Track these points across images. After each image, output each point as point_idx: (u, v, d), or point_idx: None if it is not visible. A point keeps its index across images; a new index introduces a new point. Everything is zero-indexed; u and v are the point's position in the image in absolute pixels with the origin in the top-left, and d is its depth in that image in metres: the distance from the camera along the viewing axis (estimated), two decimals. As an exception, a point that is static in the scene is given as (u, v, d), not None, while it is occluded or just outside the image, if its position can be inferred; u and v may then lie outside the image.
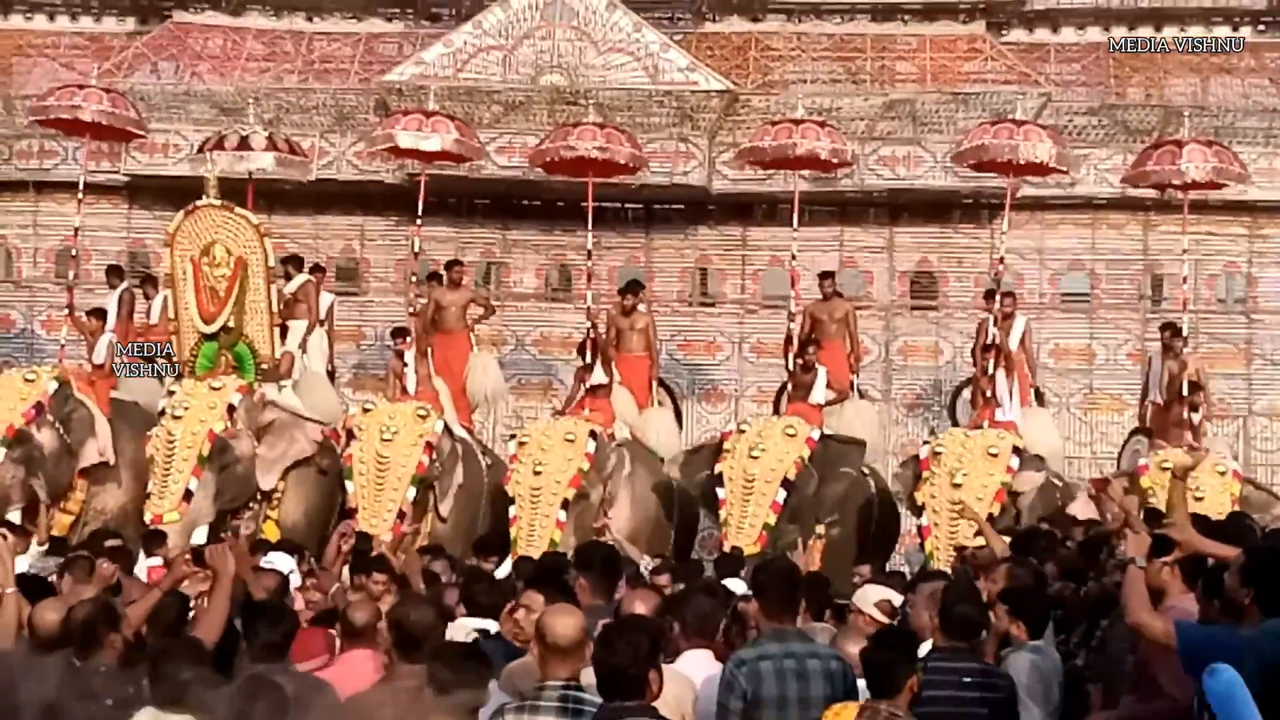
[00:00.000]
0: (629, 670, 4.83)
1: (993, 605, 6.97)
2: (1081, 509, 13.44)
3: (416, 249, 17.47)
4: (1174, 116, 20.23)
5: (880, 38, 22.26)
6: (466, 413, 16.83)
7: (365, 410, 15.32)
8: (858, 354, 17.45)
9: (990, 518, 13.76)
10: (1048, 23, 22.72)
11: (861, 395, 17.59)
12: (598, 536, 13.91)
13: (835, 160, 17.26)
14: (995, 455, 14.53)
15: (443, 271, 17.40)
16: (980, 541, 11.22)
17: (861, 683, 5.71)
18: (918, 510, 14.71)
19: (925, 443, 15.63)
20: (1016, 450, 14.66)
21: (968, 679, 6.13)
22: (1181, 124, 17.48)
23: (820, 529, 14.19)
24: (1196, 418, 15.74)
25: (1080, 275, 21.44)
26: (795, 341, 16.42)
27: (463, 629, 6.95)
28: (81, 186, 17.63)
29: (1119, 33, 22.52)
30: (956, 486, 14.33)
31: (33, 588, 6.97)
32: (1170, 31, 22.41)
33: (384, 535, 13.73)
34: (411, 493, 14.70)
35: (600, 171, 17.12)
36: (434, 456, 14.95)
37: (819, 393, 15.91)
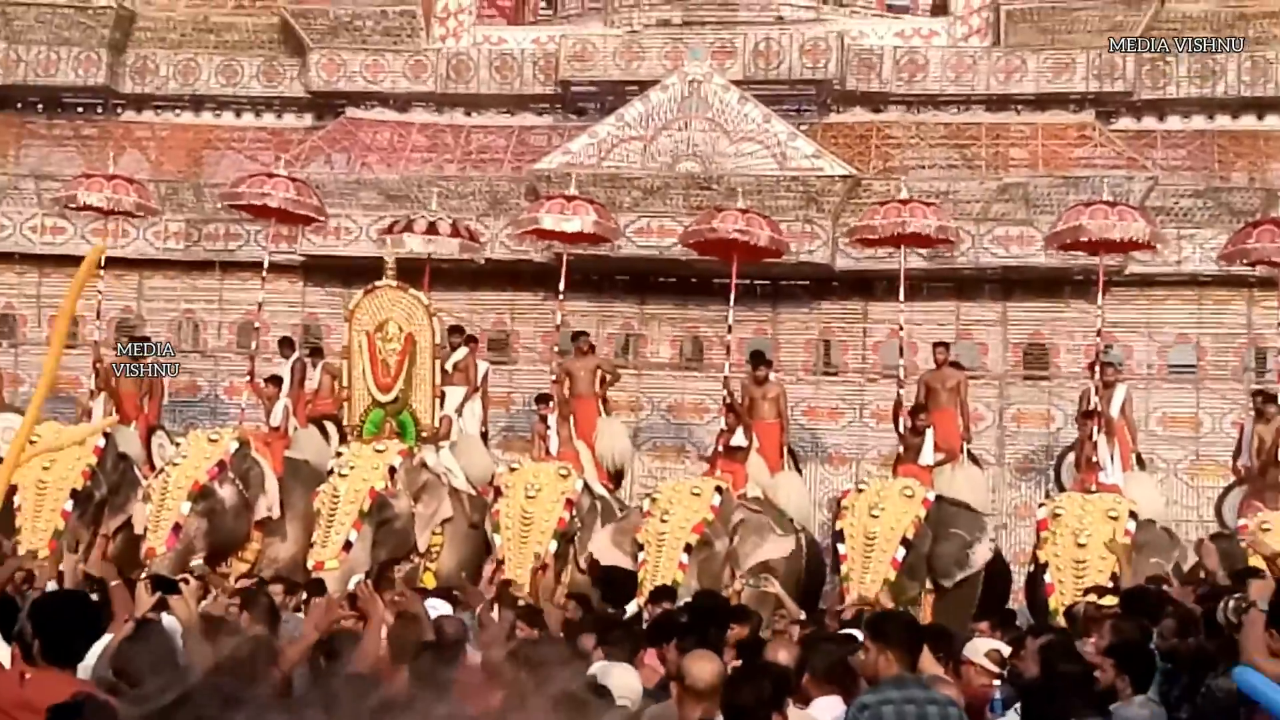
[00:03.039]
0: (753, 713, 4.74)
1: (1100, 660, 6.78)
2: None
3: (559, 322, 17.59)
4: (1275, 198, 19.74)
5: (994, 126, 22.05)
6: (605, 472, 16.83)
7: (511, 470, 15.40)
8: (968, 421, 17.15)
9: (1114, 575, 13.51)
10: (1155, 111, 22.32)
11: (975, 460, 17.28)
12: (758, 587, 13.65)
13: (942, 237, 17.13)
14: (1115, 518, 14.30)
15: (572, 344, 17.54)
16: (1092, 597, 11.02)
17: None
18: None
19: (1041, 505, 15.39)
20: (1132, 514, 14.39)
21: None
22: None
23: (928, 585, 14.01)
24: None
25: (1187, 348, 20.89)
26: (904, 407, 16.27)
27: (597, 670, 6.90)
28: (265, 266, 18.08)
29: (1223, 121, 22.10)
30: (1081, 546, 14.11)
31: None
32: (1272, 119, 21.94)
33: (526, 584, 13.74)
34: (553, 545, 14.72)
35: (744, 254, 17.16)
36: (574, 513, 14.97)
37: (927, 454, 15.71)
